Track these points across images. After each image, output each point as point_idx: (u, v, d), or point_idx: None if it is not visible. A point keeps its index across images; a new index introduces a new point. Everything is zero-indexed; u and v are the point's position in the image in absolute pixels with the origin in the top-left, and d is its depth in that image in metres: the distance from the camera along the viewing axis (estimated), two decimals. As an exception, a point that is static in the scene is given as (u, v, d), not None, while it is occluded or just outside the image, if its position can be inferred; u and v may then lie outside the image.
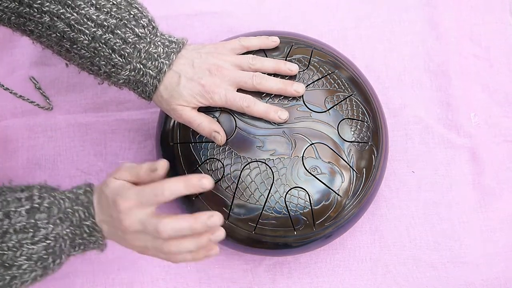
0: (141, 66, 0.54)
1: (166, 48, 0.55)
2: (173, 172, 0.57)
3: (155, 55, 0.54)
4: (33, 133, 0.70)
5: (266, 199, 0.57)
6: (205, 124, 0.57)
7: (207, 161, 0.58)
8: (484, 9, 0.76)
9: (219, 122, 0.59)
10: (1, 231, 0.44)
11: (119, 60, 0.53)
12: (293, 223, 0.57)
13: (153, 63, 0.54)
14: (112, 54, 0.53)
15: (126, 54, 0.53)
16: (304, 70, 0.61)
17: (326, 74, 0.61)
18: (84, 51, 0.54)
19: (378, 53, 0.74)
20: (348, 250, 0.65)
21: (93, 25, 0.52)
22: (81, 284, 0.64)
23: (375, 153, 0.60)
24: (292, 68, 0.59)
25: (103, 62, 0.54)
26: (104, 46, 0.53)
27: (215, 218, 0.46)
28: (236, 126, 0.59)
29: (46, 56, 0.73)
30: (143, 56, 0.54)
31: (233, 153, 0.58)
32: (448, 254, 0.65)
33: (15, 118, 0.71)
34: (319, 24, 0.75)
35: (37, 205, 0.46)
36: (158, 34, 0.56)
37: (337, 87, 0.61)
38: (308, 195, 0.57)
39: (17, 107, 0.71)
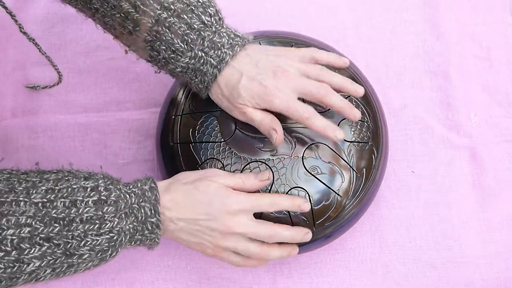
0: (203, 54, 0.52)
1: (231, 40, 0.53)
2: (173, 172, 0.57)
3: (219, 45, 0.53)
4: (33, 133, 0.70)
5: (266, 199, 0.57)
6: (266, 122, 0.54)
7: (207, 161, 0.58)
8: (484, 9, 0.76)
9: (218, 122, 0.59)
10: (67, 219, 0.45)
11: (181, 46, 0.52)
12: (293, 223, 0.56)
13: (216, 52, 0.53)
14: (175, 39, 0.52)
15: (190, 40, 0.52)
16: (304, 70, 0.61)
17: (326, 74, 0.61)
18: (146, 35, 0.53)
19: (378, 53, 0.74)
20: (348, 250, 0.65)
21: (158, 7, 0.51)
22: (81, 284, 0.64)
23: (375, 153, 0.60)
24: (358, 90, 0.56)
25: (164, 47, 0.52)
26: (168, 31, 0.51)
27: (309, 235, 0.55)
28: (236, 126, 0.59)
29: (45, 57, 0.73)
30: (206, 44, 0.52)
31: (233, 153, 0.58)
32: (448, 254, 0.65)
33: (15, 118, 0.71)
34: (319, 24, 0.75)
35: (104, 198, 0.46)
36: (224, 26, 0.54)
37: (337, 87, 0.61)
38: (308, 195, 0.57)
39: (17, 107, 0.71)
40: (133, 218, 0.48)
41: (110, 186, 0.48)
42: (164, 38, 0.52)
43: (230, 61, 0.53)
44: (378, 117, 0.62)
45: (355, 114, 0.55)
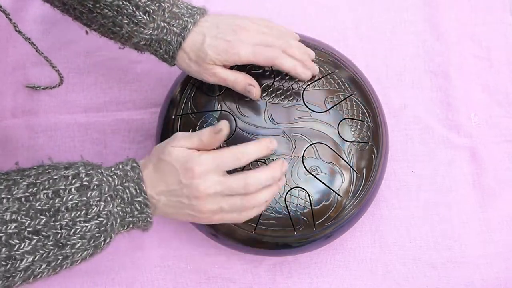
0: (165, 25, 0.55)
1: (189, 10, 0.57)
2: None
3: (179, 14, 0.55)
4: (33, 133, 0.70)
5: (266, 199, 0.57)
6: (240, 79, 0.57)
7: (207, 161, 0.58)
8: (484, 9, 0.76)
9: (218, 122, 0.59)
10: (53, 210, 0.44)
11: (143, 17, 0.54)
12: (293, 223, 0.57)
13: (177, 21, 0.55)
14: (136, 12, 0.53)
15: (151, 11, 0.54)
16: (304, 70, 0.61)
17: (326, 74, 0.61)
18: (107, 10, 0.54)
19: (378, 53, 0.74)
20: (348, 250, 0.65)
21: None
22: (81, 284, 0.64)
23: (375, 153, 0.60)
24: (310, 53, 0.60)
25: (126, 21, 0.54)
26: (128, 4, 0.53)
27: (285, 163, 0.53)
28: (236, 126, 0.59)
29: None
30: (167, 15, 0.55)
31: (233, 153, 0.58)
32: (448, 254, 0.65)
33: (15, 118, 0.71)
34: (319, 24, 0.75)
35: (86, 183, 0.46)
36: None
37: (337, 87, 0.61)
38: (308, 195, 0.57)
39: (17, 107, 0.71)
40: (119, 200, 0.48)
41: (91, 172, 0.47)
42: (126, 11, 0.53)
43: (192, 27, 0.56)
44: (378, 117, 0.62)
45: (315, 68, 0.59)
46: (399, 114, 0.71)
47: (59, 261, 0.46)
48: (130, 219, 0.49)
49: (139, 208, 0.49)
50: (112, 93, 0.72)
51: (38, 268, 0.45)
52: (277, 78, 0.60)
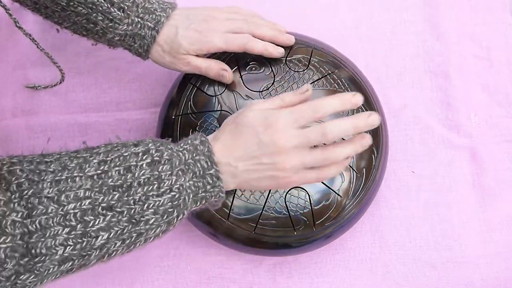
0: (139, 20, 0.57)
1: (161, 5, 0.59)
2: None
3: (152, 9, 0.57)
4: (33, 133, 0.70)
5: (266, 199, 0.57)
6: (213, 65, 0.59)
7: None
8: (484, 9, 0.76)
9: (218, 122, 0.59)
10: (125, 185, 0.44)
11: (118, 13, 0.55)
12: (293, 223, 0.57)
13: (151, 16, 0.57)
14: (111, 8, 0.55)
15: (126, 7, 0.55)
16: (304, 70, 0.61)
17: (326, 74, 0.61)
18: (81, 8, 0.55)
19: (378, 53, 0.74)
20: (348, 250, 0.65)
21: None
22: (81, 284, 0.64)
23: (375, 153, 0.60)
24: (281, 28, 0.62)
25: (100, 18, 0.55)
26: (103, 1, 0.54)
27: (374, 116, 0.49)
28: (236, 126, 0.59)
29: (45, 57, 0.73)
30: (140, 11, 0.57)
31: (233, 153, 0.58)
32: (448, 254, 0.65)
33: (15, 118, 0.71)
34: (319, 24, 0.75)
35: (157, 158, 0.46)
36: None
37: (337, 87, 0.61)
38: (308, 195, 0.57)
39: (17, 107, 0.71)
40: (191, 174, 0.48)
41: (161, 147, 0.47)
42: (100, 8, 0.55)
43: (165, 21, 0.58)
44: (378, 117, 0.62)
45: (290, 38, 0.61)
46: (399, 114, 0.71)
47: (133, 239, 0.45)
48: (203, 194, 0.49)
49: (211, 182, 0.48)
50: (112, 93, 0.72)
51: (113, 246, 0.45)
52: (277, 79, 0.60)
